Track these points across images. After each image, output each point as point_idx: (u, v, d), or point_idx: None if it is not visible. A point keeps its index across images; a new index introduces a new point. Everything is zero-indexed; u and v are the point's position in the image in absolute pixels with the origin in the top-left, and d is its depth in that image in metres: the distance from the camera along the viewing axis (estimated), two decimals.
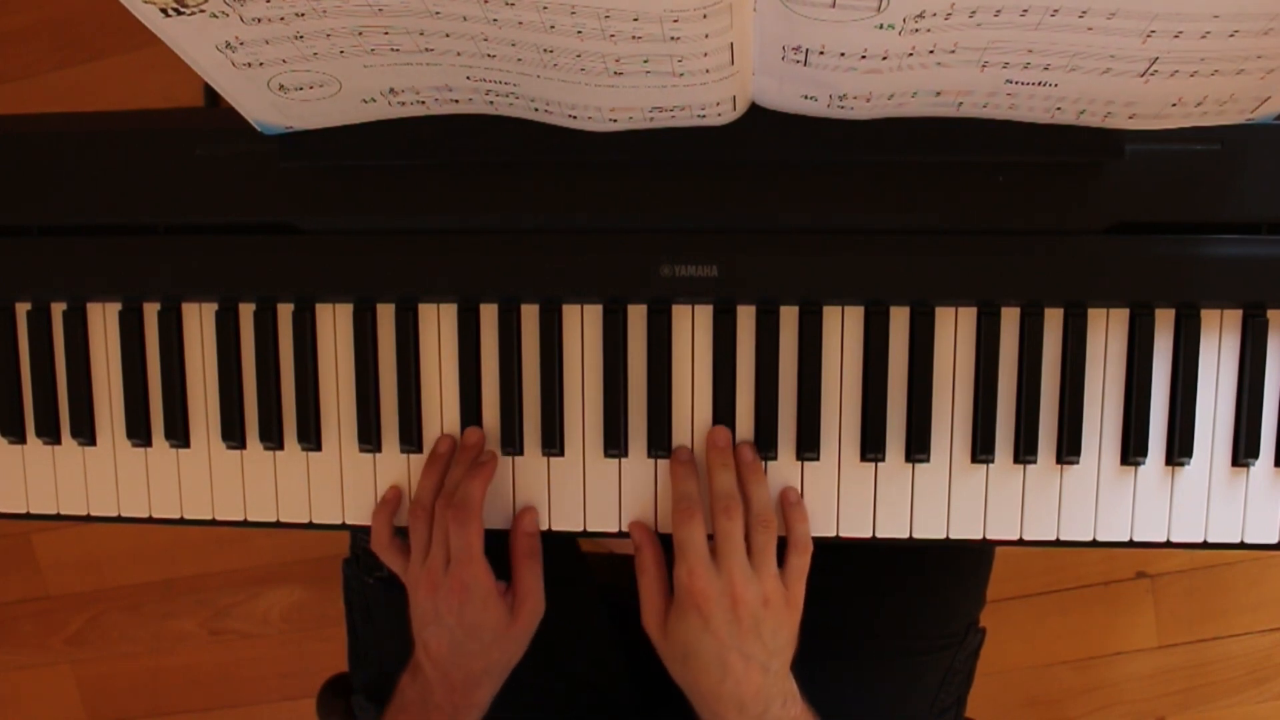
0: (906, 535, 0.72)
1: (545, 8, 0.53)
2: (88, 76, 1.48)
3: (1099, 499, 0.71)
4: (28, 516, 0.79)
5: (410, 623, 0.72)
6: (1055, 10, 0.52)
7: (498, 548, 0.71)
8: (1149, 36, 0.53)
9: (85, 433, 0.76)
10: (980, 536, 0.72)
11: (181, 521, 0.77)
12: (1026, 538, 0.72)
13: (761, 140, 0.67)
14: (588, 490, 0.73)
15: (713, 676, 0.66)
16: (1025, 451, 0.70)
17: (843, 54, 0.56)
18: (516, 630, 0.71)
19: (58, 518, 0.78)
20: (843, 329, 0.71)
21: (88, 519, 0.78)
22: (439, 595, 0.69)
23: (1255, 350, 0.69)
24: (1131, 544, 0.71)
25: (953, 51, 0.56)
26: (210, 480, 0.76)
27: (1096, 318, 0.70)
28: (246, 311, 0.74)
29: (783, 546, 0.69)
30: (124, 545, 1.57)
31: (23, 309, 0.76)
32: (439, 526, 0.70)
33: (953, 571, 0.85)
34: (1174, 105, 0.60)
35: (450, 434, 0.73)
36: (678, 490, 0.69)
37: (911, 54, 0.56)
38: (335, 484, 0.75)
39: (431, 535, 0.70)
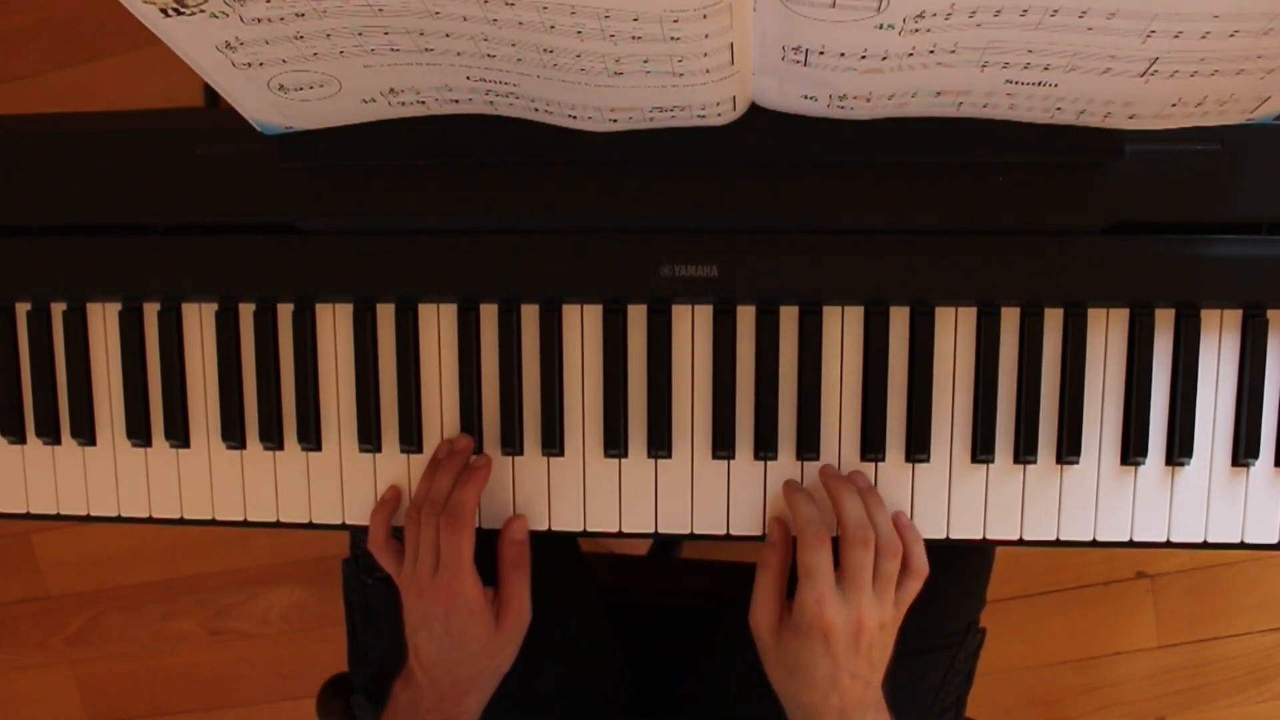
0: None
1: (545, 8, 0.53)
2: (88, 76, 1.48)
3: (1099, 499, 0.71)
4: (28, 516, 0.79)
5: (403, 625, 0.72)
6: (1055, 10, 0.52)
7: (487, 554, 0.71)
8: (1149, 36, 0.53)
9: (85, 433, 0.76)
10: (980, 536, 0.72)
11: (181, 521, 0.77)
12: (1026, 538, 0.72)
13: (761, 140, 0.67)
14: (588, 490, 0.73)
15: (821, 691, 0.67)
16: (1025, 452, 0.70)
17: (843, 54, 0.56)
18: (502, 638, 0.71)
19: (58, 518, 0.78)
20: (843, 329, 0.71)
21: (88, 519, 0.78)
22: (426, 600, 0.69)
23: (1255, 350, 0.69)
24: (1131, 544, 0.71)
25: (953, 51, 0.56)
26: (210, 480, 0.76)
27: (1096, 318, 0.70)
28: (246, 311, 0.74)
29: None
30: (124, 545, 1.57)
31: (23, 309, 0.76)
32: (425, 532, 0.70)
33: (953, 571, 0.84)
34: (1174, 105, 0.60)
35: (450, 439, 0.73)
36: (801, 515, 0.69)
37: (911, 54, 0.56)
38: (335, 484, 0.75)
39: (419, 540, 0.70)
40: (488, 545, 0.72)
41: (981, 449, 0.70)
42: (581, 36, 0.55)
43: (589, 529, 0.74)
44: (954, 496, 0.71)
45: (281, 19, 0.55)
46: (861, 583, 0.67)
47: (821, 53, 0.56)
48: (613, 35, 0.55)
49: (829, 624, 0.66)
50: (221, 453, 0.76)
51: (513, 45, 0.57)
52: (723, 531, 0.73)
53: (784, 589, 0.70)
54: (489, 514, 0.74)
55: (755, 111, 0.65)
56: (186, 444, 0.76)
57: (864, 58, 0.56)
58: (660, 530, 0.73)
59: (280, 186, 0.71)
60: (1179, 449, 0.70)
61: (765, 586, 0.69)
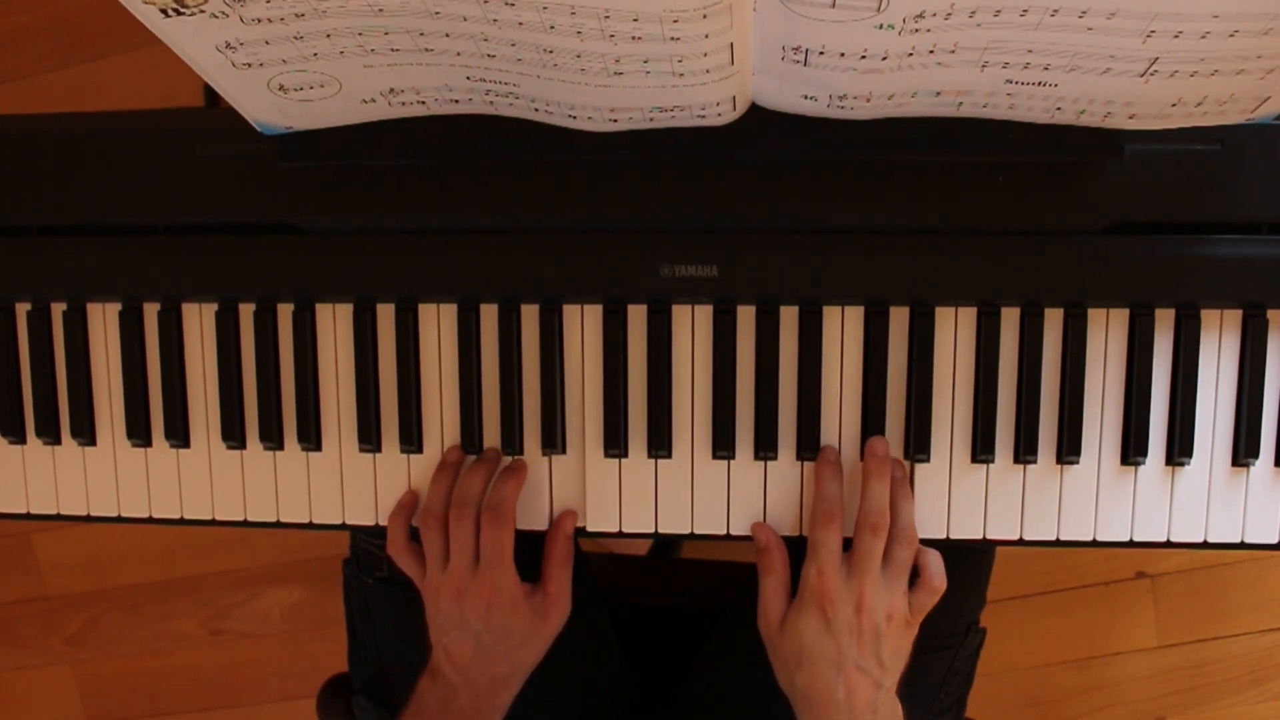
0: None
1: (545, 8, 0.53)
2: (88, 76, 1.48)
3: (1099, 499, 0.71)
4: (28, 516, 0.79)
5: (426, 628, 0.72)
6: (1055, 10, 0.52)
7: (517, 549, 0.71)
8: (1149, 36, 0.53)
9: (85, 433, 0.76)
10: (980, 536, 0.72)
11: (181, 521, 0.77)
12: (1026, 538, 0.72)
13: (761, 140, 0.67)
14: (588, 490, 0.73)
15: (827, 682, 0.66)
16: (1025, 451, 0.70)
17: (843, 54, 0.56)
18: (545, 632, 0.72)
19: (58, 518, 0.78)
20: (843, 329, 0.71)
21: (88, 519, 0.78)
22: (465, 600, 0.69)
23: (1255, 350, 0.69)
24: (1131, 544, 0.71)
25: (952, 51, 0.56)
26: (210, 480, 0.76)
27: (1096, 318, 0.70)
28: (246, 311, 0.74)
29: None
30: (124, 545, 1.57)
31: (23, 309, 0.76)
32: (460, 531, 0.70)
33: (953, 571, 0.84)
34: (1174, 105, 0.60)
35: (457, 445, 0.73)
36: (821, 490, 0.69)
37: (911, 54, 0.56)
38: (335, 484, 0.75)
39: (449, 542, 0.70)
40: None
41: (981, 449, 0.70)
42: (581, 37, 0.55)
43: (589, 529, 0.74)
44: (954, 496, 0.71)
45: (281, 19, 0.55)
46: (868, 565, 0.66)
47: (821, 53, 0.57)
48: (613, 35, 0.55)
49: (828, 594, 0.65)
50: (221, 453, 0.76)
51: (513, 45, 0.57)
52: (723, 531, 0.73)
53: (789, 590, 0.70)
54: None
55: (755, 111, 0.65)
56: (186, 444, 0.76)
57: (864, 58, 0.56)
58: (660, 530, 0.73)
59: (280, 186, 0.71)
60: (1179, 449, 0.70)
61: (770, 588, 0.69)
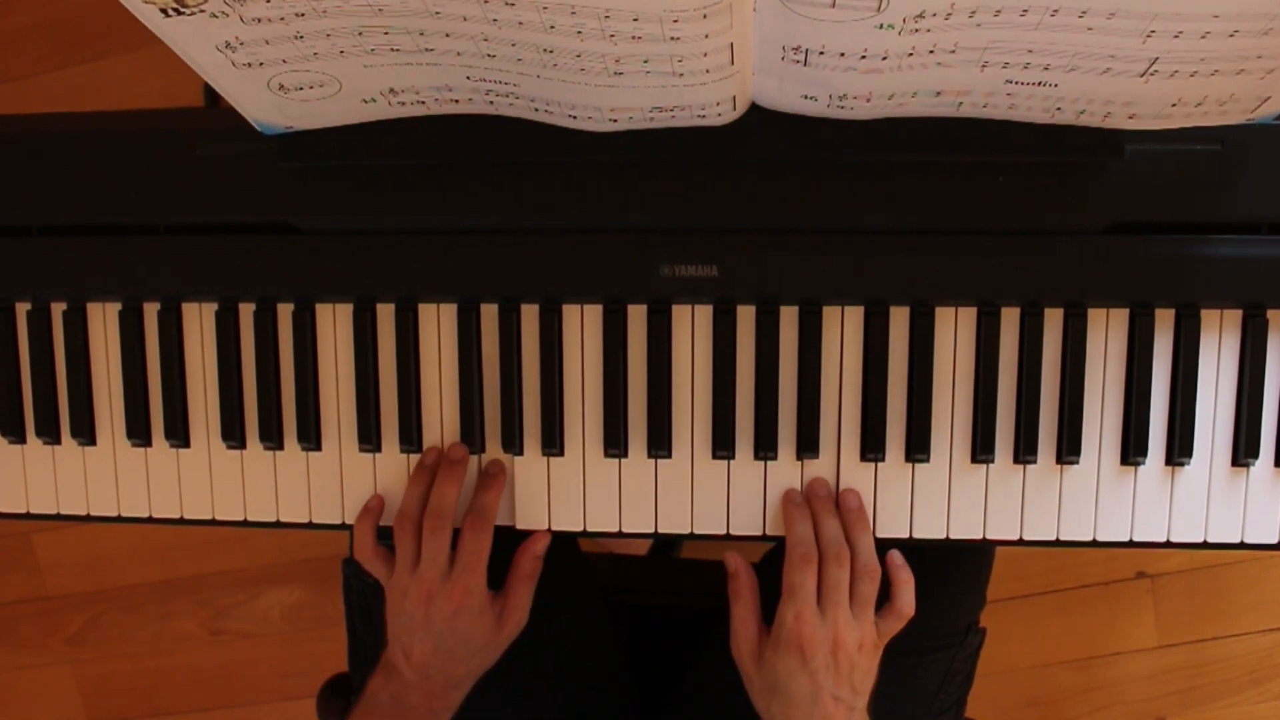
0: (906, 535, 0.72)
1: (545, 8, 0.53)
2: (88, 76, 1.48)
3: (1099, 499, 0.71)
4: (28, 516, 0.79)
5: (385, 626, 0.73)
6: (1055, 10, 0.52)
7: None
8: (1149, 36, 0.53)
9: (85, 433, 0.76)
10: (980, 536, 0.72)
11: (181, 521, 0.77)
12: (1026, 538, 0.72)
13: (761, 140, 0.67)
14: (588, 490, 0.73)
15: (802, 711, 0.68)
16: (1025, 451, 0.70)
17: (843, 54, 0.56)
18: (500, 640, 0.73)
19: (58, 518, 0.78)
20: (843, 329, 0.71)
21: (88, 519, 0.78)
22: (433, 604, 0.70)
23: (1255, 350, 0.69)
24: (1131, 544, 0.71)
25: (953, 51, 0.56)
26: (210, 480, 0.76)
27: (1096, 318, 0.70)
28: (246, 311, 0.74)
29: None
30: (124, 545, 1.57)
31: (23, 309, 0.76)
32: (433, 542, 0.70)
33: (953, 571, 0.84)
34: (1174, 105, 0.60)
35: (436, 446, 0.74)
36: (794, 534, 0.70)
37: (911, 54, 0.56)
38: (335, 484, 0.75)
39: (422, 548, 0.71)
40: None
41: (981, 449, 0.70)
42: (581, 37, 0.55)
43: (589, 529, 0.74)
44: (954, 496, 0.71)
45: (282, 19, 0.55)
46: (838, 599, 0.68)
47: (821, 53, 0.57)
48: (613, 35, 0.55)
49: (806, 639, 0.67)
50: (221, 453, 0.76)
51: (513, 45, 0.57)
52: (723, 531, 0.73)
53: (760, 615, 0.71)
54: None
55: (755, 111, 0.65)
56: (186, 444, 0.76)
57: (864, 58, 0.56)
58: (660, 530, 0.73)
59: (280, 186, 0.71)
60: (1179, 449, 0.70)
61: (741, 616, 0.71)
